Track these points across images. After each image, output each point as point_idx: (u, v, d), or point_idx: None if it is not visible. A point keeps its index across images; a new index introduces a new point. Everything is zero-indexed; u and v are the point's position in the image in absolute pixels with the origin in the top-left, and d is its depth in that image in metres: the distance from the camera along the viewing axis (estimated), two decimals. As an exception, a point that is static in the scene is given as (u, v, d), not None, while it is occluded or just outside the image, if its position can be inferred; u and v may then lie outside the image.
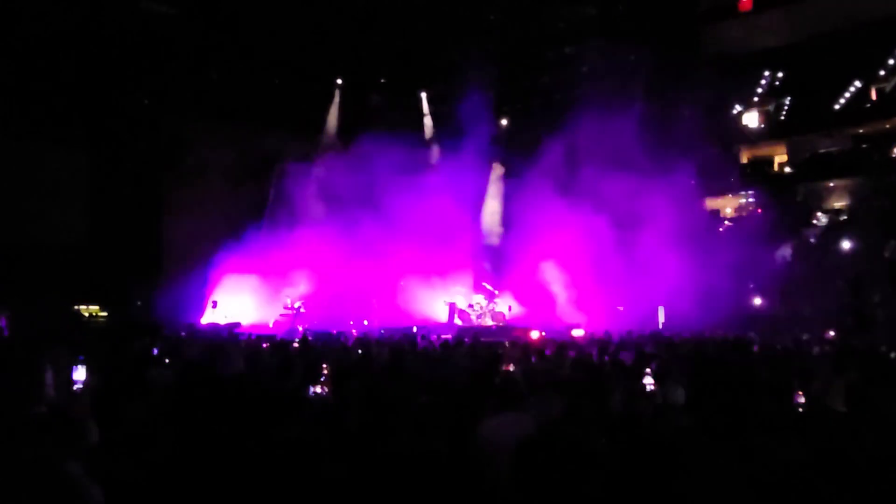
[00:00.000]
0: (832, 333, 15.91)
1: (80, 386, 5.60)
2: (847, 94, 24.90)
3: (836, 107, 25.10)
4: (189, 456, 3.83)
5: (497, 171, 25.23)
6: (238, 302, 20.83)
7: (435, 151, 23.68)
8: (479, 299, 22.26)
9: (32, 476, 2.65)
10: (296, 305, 20.66)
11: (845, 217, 24.88)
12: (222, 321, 19.27)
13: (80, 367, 5.65)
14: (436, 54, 20.43)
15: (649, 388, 5.60)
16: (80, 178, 18.58)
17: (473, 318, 21.73)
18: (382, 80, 21.79)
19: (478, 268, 24.09)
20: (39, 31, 16.18)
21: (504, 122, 24.66)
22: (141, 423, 4.43)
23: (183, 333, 15.49)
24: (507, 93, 23.18)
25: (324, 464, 3.65)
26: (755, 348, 11.92)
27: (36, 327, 13.78)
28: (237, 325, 18.45)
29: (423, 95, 23.27)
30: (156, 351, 8.95)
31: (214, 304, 20.39)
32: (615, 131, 21.24)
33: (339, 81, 21.88)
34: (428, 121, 23.49)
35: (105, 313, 18.16)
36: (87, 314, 18.08)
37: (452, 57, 20.77)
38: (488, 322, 21.59)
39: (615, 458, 3.61)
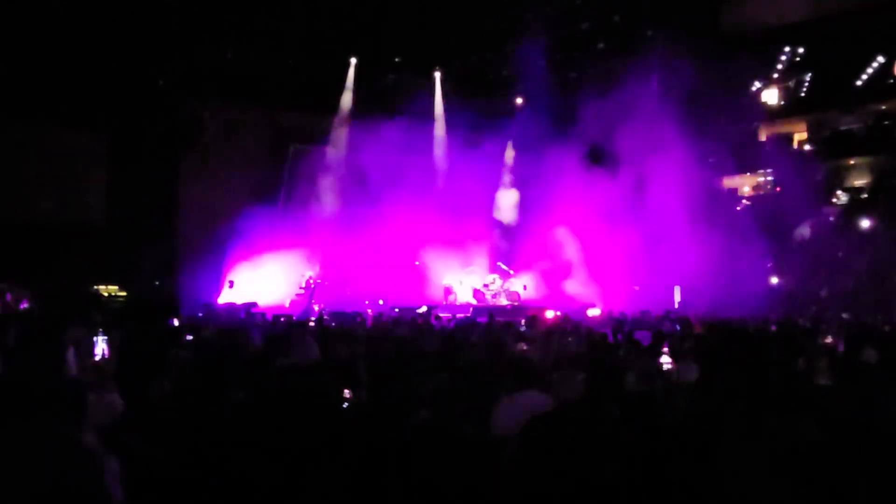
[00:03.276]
0: (844, 316, 15.75)
1: (100, 357, 5.73)
2: (869, 71, 24.45)
3: (858, 83, 24.67)
4: (207, 434, 3.90)
5: (511, 149, 25.09)
6: (255, 281, 20.98)
7: (449, 130, 23.58)
8: (495, 278, 22.26)
9: (50, 448, 2.71)
10: (312, 284, 20.78)
11: (866, 195, 24.55)
12: (239, 301, 19.41)
13: (99, 339, 5.78)
14: (451, 33, 20.26)
15: (666, 367, 5.62)
16: (100, 160, 18.73)
17: (488, 297, 21.75)
18: (397, 60, 21.66)
19: (493, 247, 24.07)
20: (57, 16, 16.23)
21: (519, 100, 24.48)
22: (163, 401, 4.51)
23: (200, 313, 15.64)
24: (523, 70, 22.96)
25: (342, 440, 3.70)
26: (772, 328, 11.85)
27: (56, 307, 13.99)
28: (254, 304, 18.57)
29: (438, 75, 23.13)
30: (174, 323, 9.06)
31: (231, 284, 20.55)
32: (632, 109, 21.05)
33: (354, 60, 21.79)
34: (442, 99, 23.37)
35: (123, 293, 18.38)
36: (105, 294, 18.30)
37: (467, 36, 20.59)
38: (503, 301, 21.61)
39: (630, 437, 3.63)
